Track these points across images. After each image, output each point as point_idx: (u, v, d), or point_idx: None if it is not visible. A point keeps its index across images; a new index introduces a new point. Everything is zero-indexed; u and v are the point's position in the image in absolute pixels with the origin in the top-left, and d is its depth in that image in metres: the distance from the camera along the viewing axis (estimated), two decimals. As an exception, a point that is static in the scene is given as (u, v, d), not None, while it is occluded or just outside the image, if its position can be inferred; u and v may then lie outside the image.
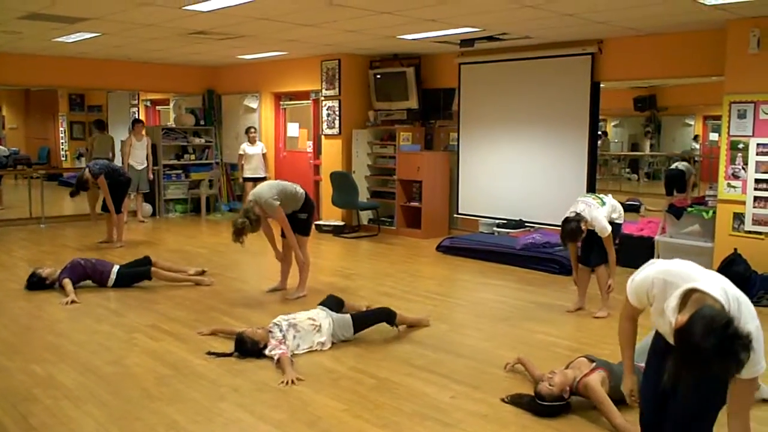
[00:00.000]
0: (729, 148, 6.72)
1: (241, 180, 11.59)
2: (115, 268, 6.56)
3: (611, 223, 5.54)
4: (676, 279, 2.54)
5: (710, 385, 2.61)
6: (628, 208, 9.80)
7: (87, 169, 8.57)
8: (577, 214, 5.42)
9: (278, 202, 5.92)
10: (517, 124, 9.00)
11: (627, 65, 7.95)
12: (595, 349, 4.78)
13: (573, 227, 5.38)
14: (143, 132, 11.07)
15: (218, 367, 4.40)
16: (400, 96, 9.97)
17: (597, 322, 5.52)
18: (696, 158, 11.58)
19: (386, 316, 5.01)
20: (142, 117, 13.98)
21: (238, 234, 5.74)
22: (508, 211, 9.07)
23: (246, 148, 11.15)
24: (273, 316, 5.66)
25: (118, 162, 10.97)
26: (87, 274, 6.45)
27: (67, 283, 6.19)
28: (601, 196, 5.73)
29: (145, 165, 11.04)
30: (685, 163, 11.38)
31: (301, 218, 6.18)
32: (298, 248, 6.16)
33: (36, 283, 6.38)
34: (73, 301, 5.97)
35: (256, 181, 11.17)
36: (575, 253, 5.78)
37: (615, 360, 4.16)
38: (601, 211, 5.46)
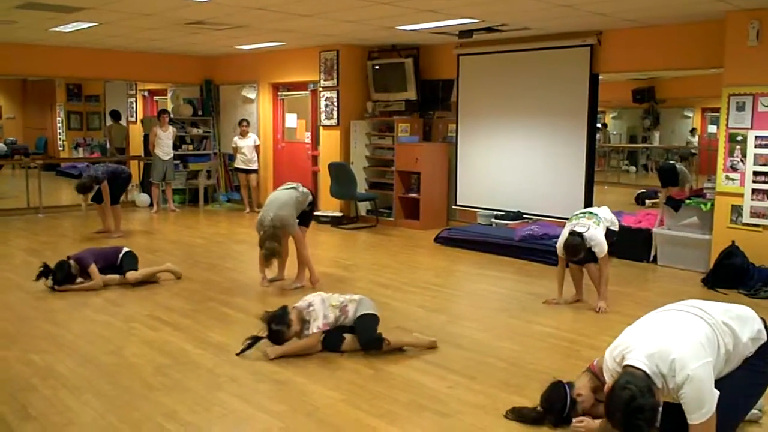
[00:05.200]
0: (727, 140, 6.72)
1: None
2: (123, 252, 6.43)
3: (608, 229, 5.56)
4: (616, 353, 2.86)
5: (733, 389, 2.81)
6: (644, 197, 9.93)
7: (90, 178, 8.52)
8: (579, 234, 5.38)
9: (297, 221, 6.09)
10: (515, 116, 8.99)
11: (626, 57, 7.93)
12: (593, 341, 4.80)
13: (576, 242, 5.34)
14: (168, 122, 11.10)
15: (216, 357, 4.41)
16: (398, 87, 9.95)
17: (594, 314, 5.53)
18: (693, 151, 11.59)
19: (366, 344, 4.43)
20: (139, 107, 13.94)
21: (270, 257, 5.89)
22: (507, 202, 9.06)
23: (237, 140, 11.17)
24: (272, 306, 5.67)
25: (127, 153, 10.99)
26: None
27: (94, 269, 6.09)
28: (594, 212, 5.70)
29: (171, 155, 11.12)
30: (679, 165, 11.43)
31: (304, 210, 6.25)
32: (304, 247, 6.23)
33: (65, 278, 6.00)
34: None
35: (248, 173, 11.20)
36: (562, 272, 5.73)
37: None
38: (599, 231, 5.44)
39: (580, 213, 5.78)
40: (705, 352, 2.70)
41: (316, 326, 4.39)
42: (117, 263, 6.31)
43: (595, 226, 5.45)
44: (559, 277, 5.79)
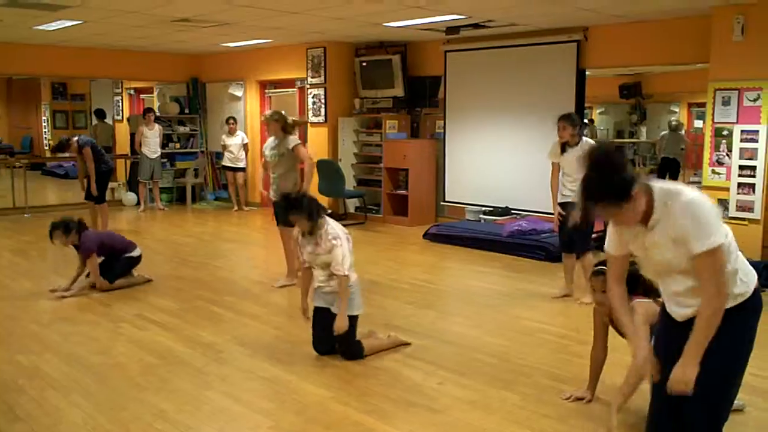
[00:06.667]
0: (713, 134, 6.76)
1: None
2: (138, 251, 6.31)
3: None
4: None
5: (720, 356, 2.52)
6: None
7: (76, 139, 8.39)
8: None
9: (299, 143, 6.11)
10: (503, 112, 9.00)
11: (612, 52, 7.96)
12: (582, 336, 4.81)
13: (573, 116, 5.80)
14: (153, 120, 11.05)
15: (205, 356, 4.40)
16: (386, 84, 9.94)
17: (583, 308, 5.54)
18: (681, 146, 11.67)
19: (350, 358, 4.36)
20: (125, 105, 13.84)
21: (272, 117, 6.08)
22: (495, 198, 9.08)
23: (225, 138, 11.14)
24: (261, 304, 5.68)
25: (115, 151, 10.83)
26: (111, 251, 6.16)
27: (94, 261, 5.91)
28: None
29: (158, 154, 11.08)
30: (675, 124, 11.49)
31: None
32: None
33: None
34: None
35: (235, 171, 11.18)
36: (555, 183, 6.05)
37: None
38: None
39: None
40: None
41: (346, 268, 4.32)
42: (120, 256, 6.13)
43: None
44: (552, 188, 6.12)
